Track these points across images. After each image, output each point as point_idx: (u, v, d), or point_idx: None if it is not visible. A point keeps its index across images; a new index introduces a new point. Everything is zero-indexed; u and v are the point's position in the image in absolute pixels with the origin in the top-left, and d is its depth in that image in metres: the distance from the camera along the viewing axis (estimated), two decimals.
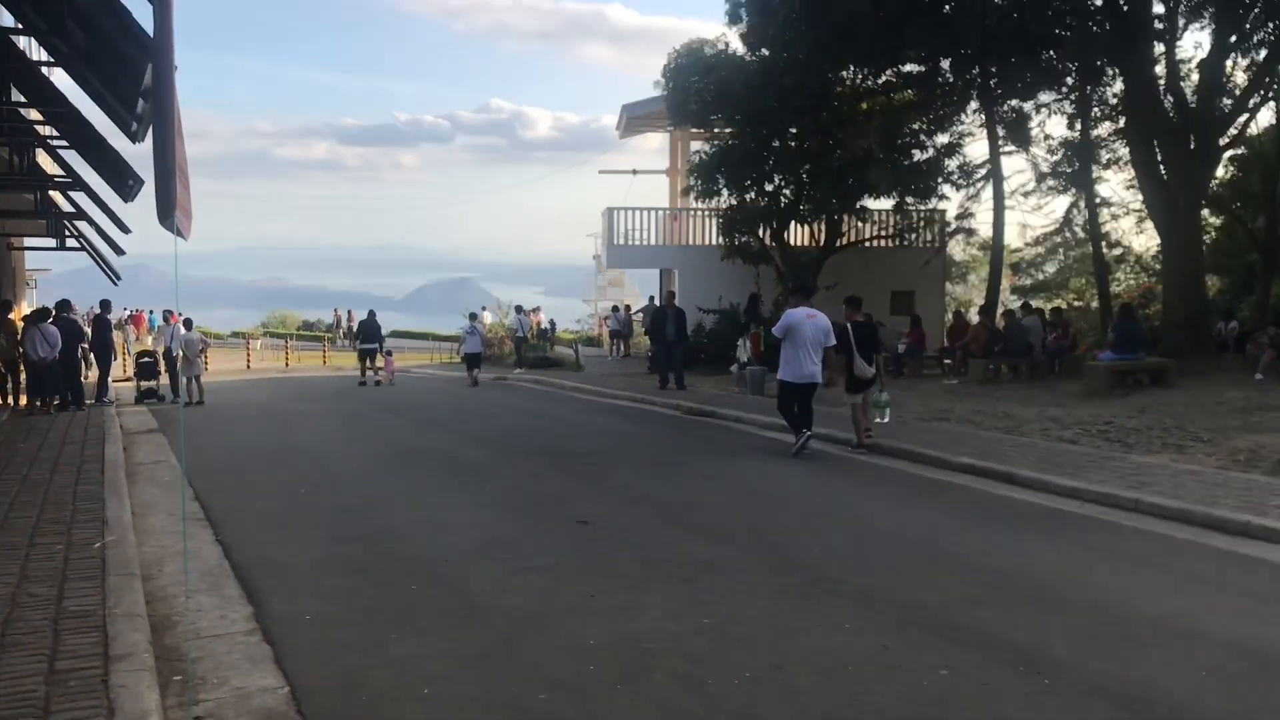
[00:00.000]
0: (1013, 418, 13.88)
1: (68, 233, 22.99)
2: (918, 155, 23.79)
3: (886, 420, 12.87)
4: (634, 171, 34.38)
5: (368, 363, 25.07)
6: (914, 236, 27.39)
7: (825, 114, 24.15)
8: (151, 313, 45.08)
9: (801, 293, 12.33)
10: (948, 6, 17.11)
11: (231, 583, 6.68)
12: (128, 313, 44.91)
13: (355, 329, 32.21)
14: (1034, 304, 25.33)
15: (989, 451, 11.18)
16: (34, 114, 13.67)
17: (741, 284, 25.54)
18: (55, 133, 14.20)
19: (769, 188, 25.22)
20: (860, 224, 26.49)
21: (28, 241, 29.08)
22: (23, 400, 17.76)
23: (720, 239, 26.55)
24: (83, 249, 23.74)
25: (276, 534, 8.08)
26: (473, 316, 26.81)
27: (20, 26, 11.06)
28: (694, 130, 29.83)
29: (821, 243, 25.75)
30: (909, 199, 24.32)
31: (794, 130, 24.22)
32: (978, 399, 16.30)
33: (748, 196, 25.42)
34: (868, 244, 26.74)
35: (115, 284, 25.75)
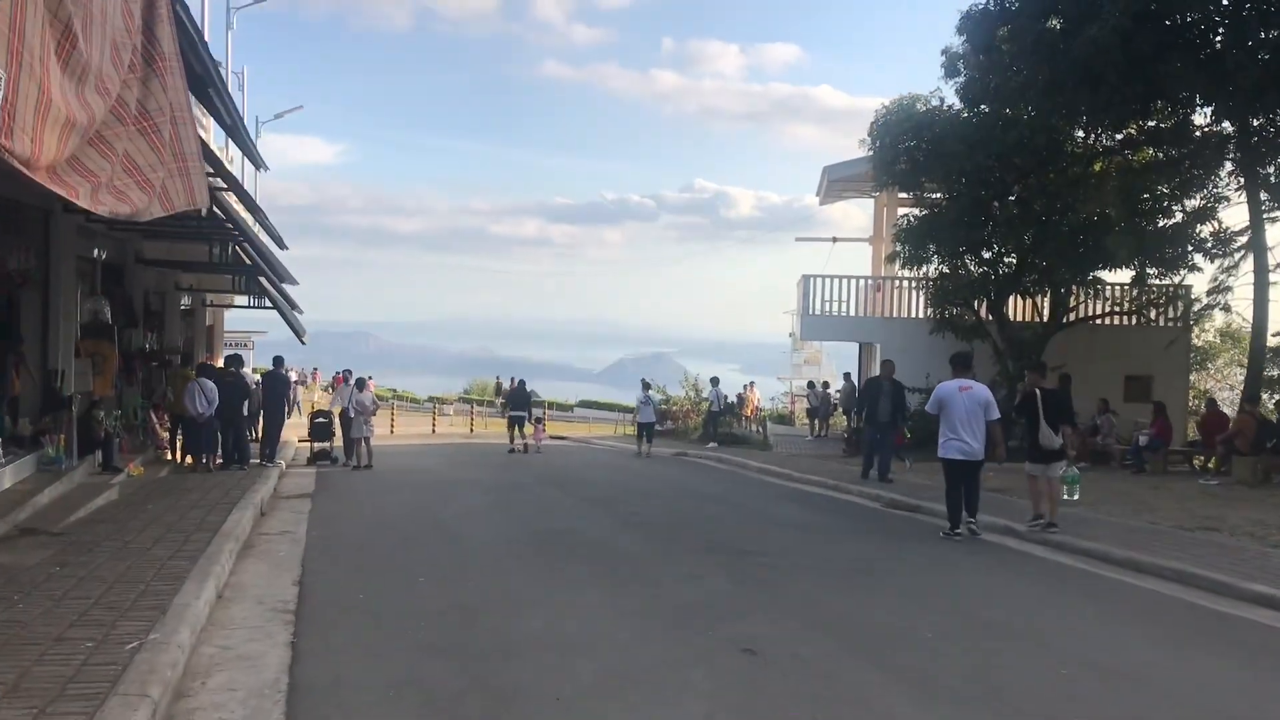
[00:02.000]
0: None
1: (256, 291, 23.05)
2: (1162, 221, 20.84)
3: (1076, 498, 12.33)
4: (834, 239, 32.36)
5: (516, 430, 24.47)
6: (1154, 314, 24.16)
7: (1052, 174, 21.63)
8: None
9: (958, 364, 11.63)
10: (1216, 38, 14.44)
11: (278, 713, 5.06)
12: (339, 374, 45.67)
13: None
14: None
15: None
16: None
17: (948, 364, 22.99)
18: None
19: (986, 255, 22.77)
20: (1091, 298, 23.59)
21: (231, 300, 29.72)
22: (188, 458, 17.18)
23: (929, 311, 24.18)
24: (274, 307, 23.70)
25: (367, 638, 6.46)
26: (645, 386, 25.55)
27: None
28: (901, 195, 27.65)
29: (1045, 317, 23.00)
30: (1151, 270, 21.31)
31: (1016, 192, 21.75)
32: (1252, 506, 13.33)
33: (961, 265, 23.06)
34: (1099, 321, 23.76)
35: (303, 343, 25.54)
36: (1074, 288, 22.47)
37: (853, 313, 26.53)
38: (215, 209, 13.65)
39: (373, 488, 15.80)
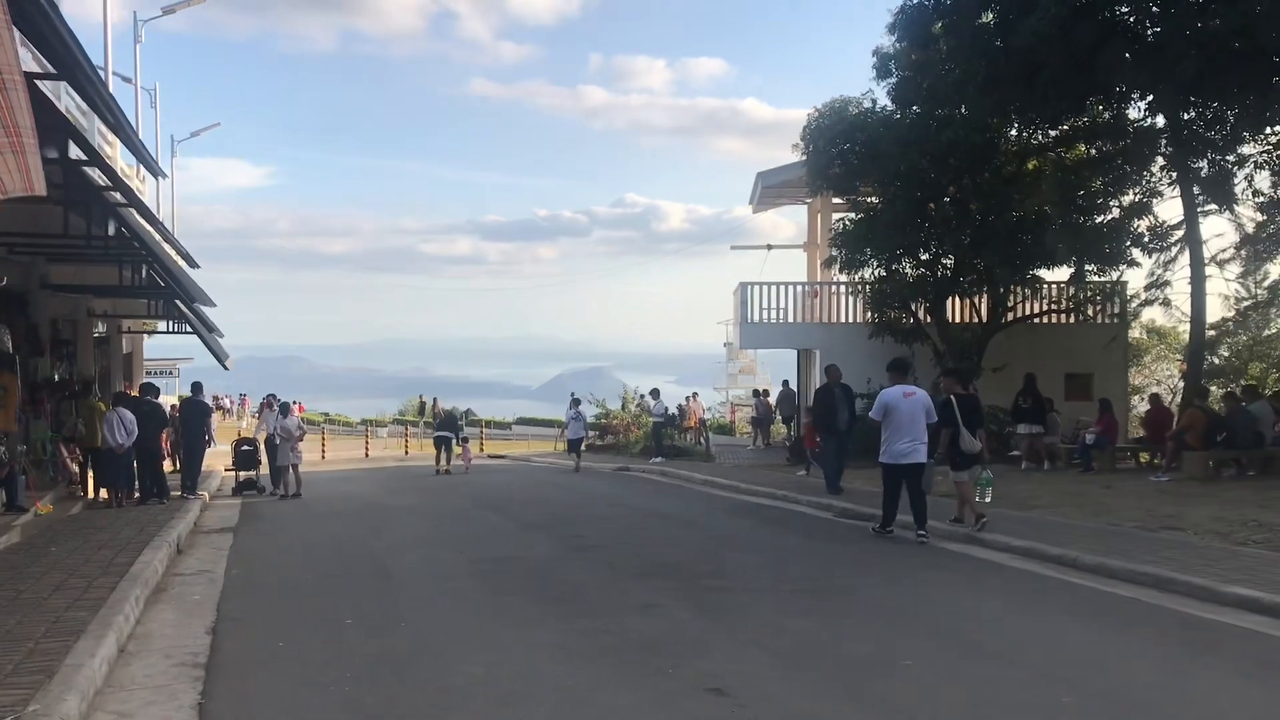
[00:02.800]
0: (1274, 529, 10.70)
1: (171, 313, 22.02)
2: (1099, 217, 20.73)
3: (989, 500, 12.57)
4: (769, 246, 32.01)
5: (443, 451, 24.04)
6: (1092, 311, 24.09)
7: (988, 174, 21.45)
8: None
9: (898, 369, 11.75)
10: (1154, 28, 14.16)
11: None
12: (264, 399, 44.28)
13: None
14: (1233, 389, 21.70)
15: (1268, 580, 8.15)
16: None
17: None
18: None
19: (924, 257, 22.51)
20: (1029, 297, 23.44)
21: (149, 326, 28.50)
22: (103, 493, 16.14)
23: (868, 315, 23.88)
24: (193, 332, 22.68)
25: (286, 695, 5.73)
26: (575, 401, 25.33)
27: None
28: (835, 201, 27.39)
29: (984, 318, 22.79)
30: (1089, 266, 21.19)
31: (951, 193, 21.51)
32: (1209, 502, 13.04)
33: (898, 267, 22.80)
34: (1037, 320, 23.62)
35: (225, 368, 24.47)
36: (1013, 287, 22.28)
37: (791, 320, 26.16)
38: (121, 228, 12.87)
39: (300, 518, 14.94)
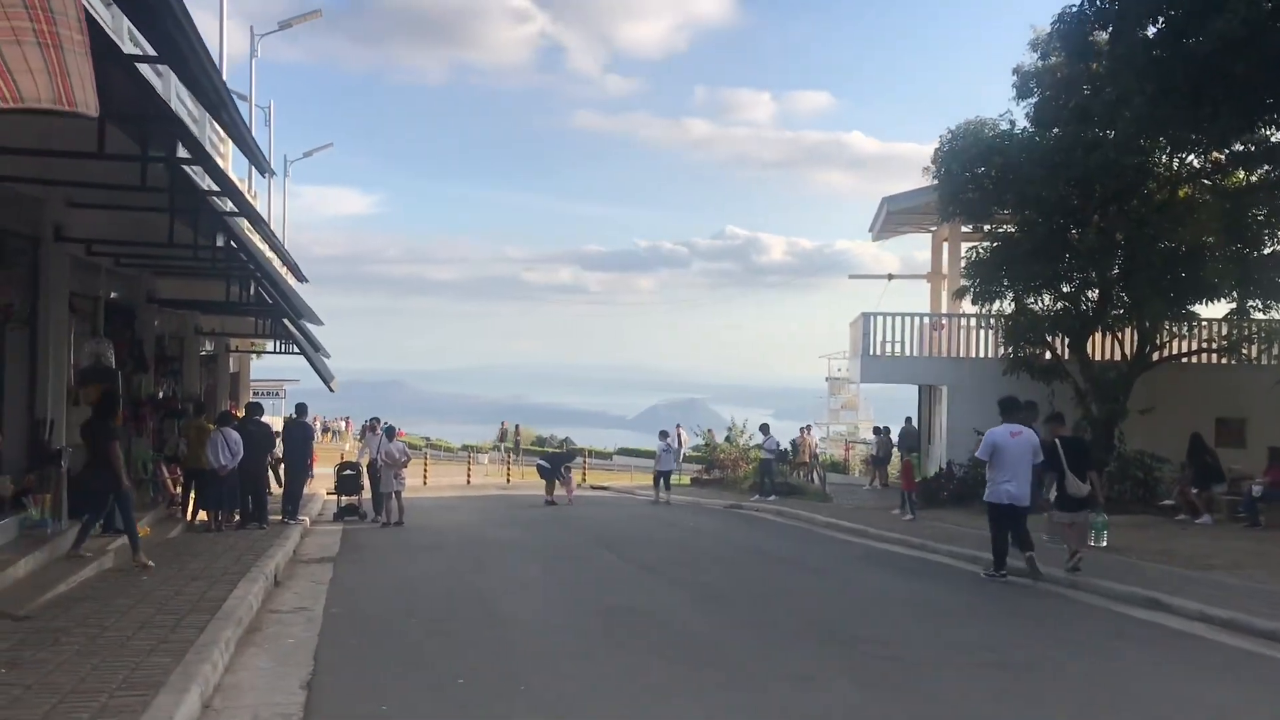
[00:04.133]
0: None
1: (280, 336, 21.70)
2: (1268, 248, 18.99)
3: (1104, 545, 12.29)
4: (889, 276, 30.55)
5: (552, 481, 23.35)
6: (1255, 350, 22.15)
7: (1136, 200, 19.89)
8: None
9: (1008, 409, 11.58)
10: None
11: None
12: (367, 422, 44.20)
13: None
14: None
15: None
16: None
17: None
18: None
19: (1065, 289, 20.99)
20: (1180, 335, 21.65)
21: (256, 346, 28.41)
22: (202, 514, 15.60)
23: (1002, 350, 22.40)
24: (300, 352, 22.32)
25: None
26: (664, 435, 24.96)
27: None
28: (965, 229, 25.94)
29: (1129, 356, 21.11)
30: (1252, 302, 19.43)
31: (1096, 221, 19.93)
32: None
33: (1037, 299, 21.33)
34: (1187, 359, 21.79)
35: (331, 389, 24.02)
36: (1164, 323, 20.58)
37: (913, 353, 24.76)
38: (230, 241, 12.31)
39: (404, 550, 14.13)
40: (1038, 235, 20.20)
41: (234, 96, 7.12)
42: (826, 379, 40.93)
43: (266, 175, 10.29)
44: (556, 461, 24.21)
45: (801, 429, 28.52)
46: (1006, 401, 11.79)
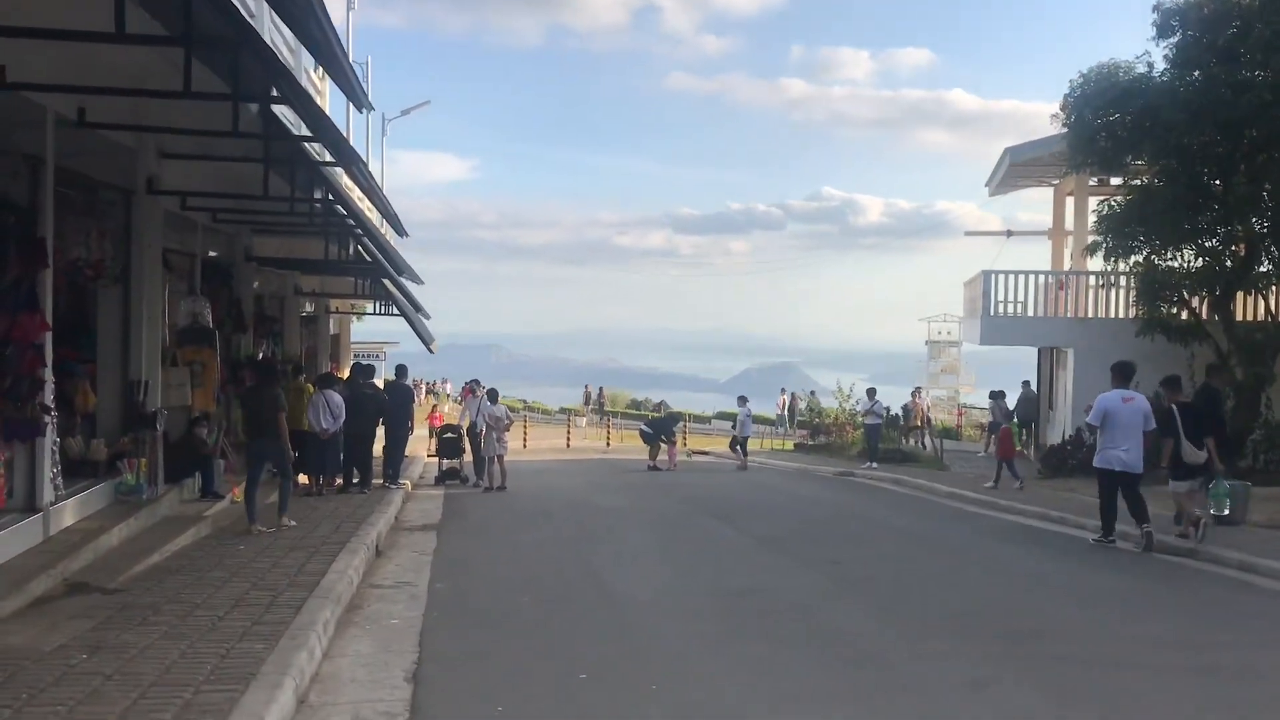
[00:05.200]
0: None
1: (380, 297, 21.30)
2: None
3: (1226, 513, 11.60)
4: (1008, 233, 28.98)
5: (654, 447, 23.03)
6: None
7: None
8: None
9: (1120, 374, 11.44)
10: None
11: None
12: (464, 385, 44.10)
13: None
14: None
15: None
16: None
17: (1161, 370, 19.66)
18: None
19: (1207, 244, 19.40)
20: None
21: (355, 307, 28.20)
22: (302, 477, 15.20)
23: (1136, 309, 20.89)
24: (400, 313, 21.90)
25: None
26: (742, 400, 24.12)
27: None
28: (1092, 183, 24.31)
29: (1275, 316, 19.45)
30: None
31: (1243, 170, 18.24)
32: None
33: (1176, 256, 19.79)
34: None
35: (431, 351, 23.59)
36: None
37: (1036, 313, 23.32)
38: (329, 194, 11.71)
39: (508, 518, 13.54)
40: (1178, 186, 18.66)
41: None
42: (926, 342, 39.36)
43: (364, 111, 9.64)
44: (660, 426, 23.62)
45: (913, 392, 27.25)
46: (1120, 366, 11.63)
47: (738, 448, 23.27)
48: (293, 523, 10.84)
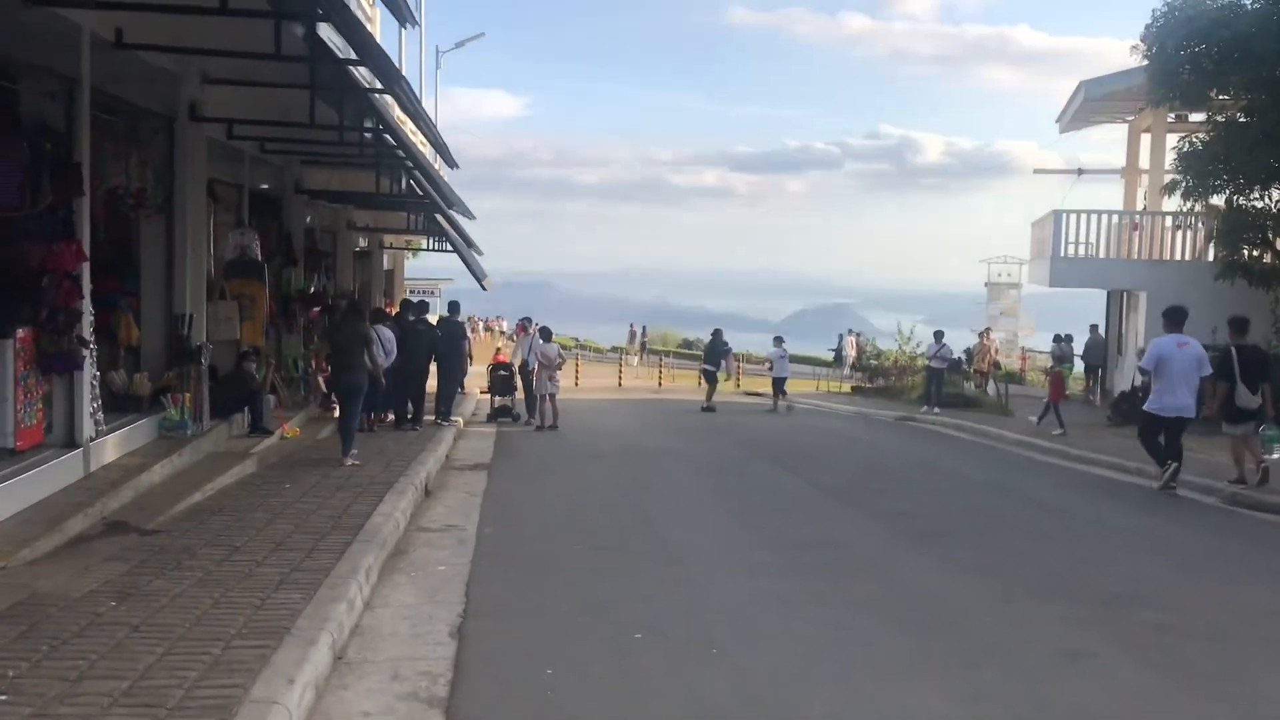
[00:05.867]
0: None
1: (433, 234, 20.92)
2: None
3: (1276, 456, 11.86)
4: (1079, 171, 27.80)
5: (710, 386, 22.78)
6: None
7: None
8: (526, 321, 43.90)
9: (1173, 319, 11.36)
10: None
11: None
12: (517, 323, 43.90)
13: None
14: None
15: None
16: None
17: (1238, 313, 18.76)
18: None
19: None
20: None
21: (409, 244, 27.89)
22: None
23: (1216, 251, 19.97)
24: (454, 249, 21.53)
25: None
26: (778, 340, 23.72)
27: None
28: (1170, 120, 23.16)
29: None
30: None
31: None
32: None
33: (1263, 196, 18.81)
34: None
35: (483, 288, 23.22)
36: None
37: (1109, 254, 22.36)
38: (379, 124, 11.26)
39: (559, 457, 13.20)
40: (1268, 121, 17.65)
41: None
42: (986, 284, 38.24)
43: (408, 27, 9.06)
44: (715, 352, 23.53)
45: (980, 333, 26.33)
46: (1171, 311, 11.53)
47: (779, 390, 22.57)
48: (356, 461, 10.65)
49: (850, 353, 34.56)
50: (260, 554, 6.53)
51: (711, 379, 22.88)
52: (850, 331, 39.17)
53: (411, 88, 8.26)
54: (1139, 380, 20.58)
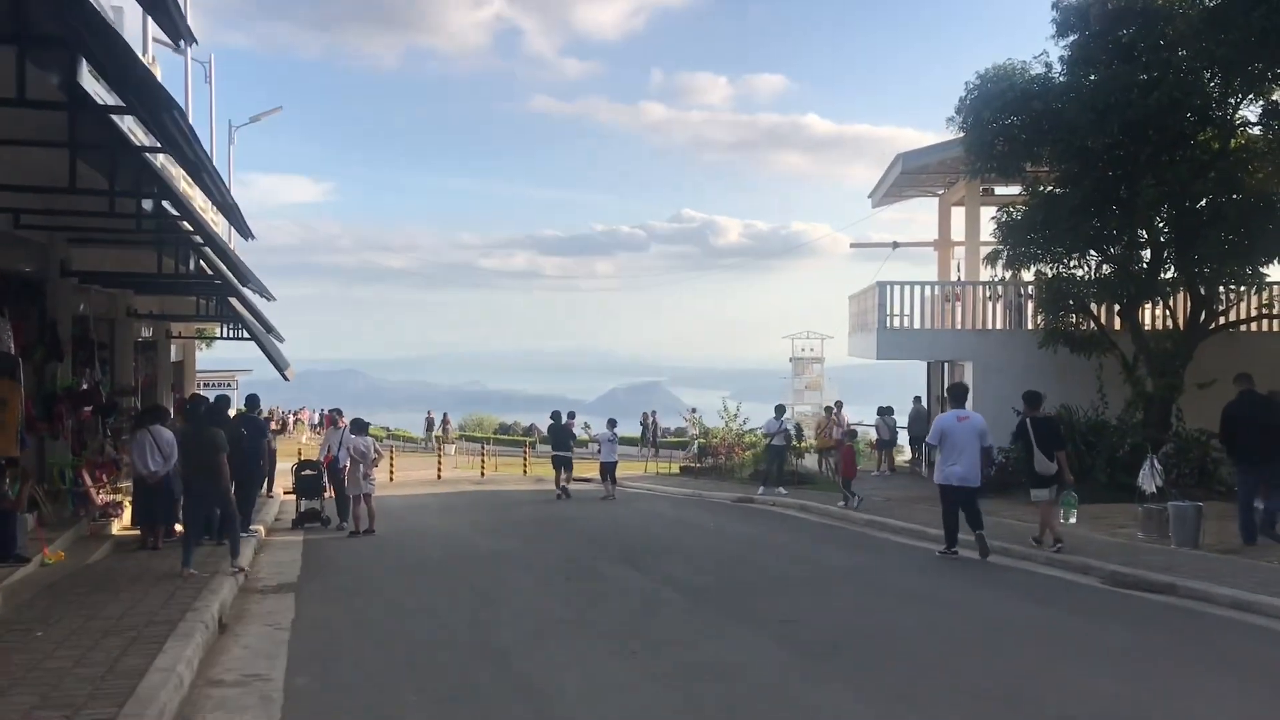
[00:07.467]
0: None
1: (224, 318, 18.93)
2: None
3: (1073, 521, 13.52)
4: (894, 244, 28.21)
5: (563, 472, 21.54)
6: None
7: (1194, 148, 17.75)
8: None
9: (956, 396, 12.48)
10: None
11: None
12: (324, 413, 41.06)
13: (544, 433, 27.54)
14: None
15: None
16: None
17: (1067, 382, 18.96)
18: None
19: (1113, 251, 18.83)
20: (1242, 299, 19.47)
21: (199, 331, 25.53)
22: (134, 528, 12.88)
23: (1038, 319, 20.32)
24: (250, 336, 19.53)
25: None
26: (611, 423, 22.57)
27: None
28: (985, 191, 23.74)
29: (1182, 325, 18.94)
30: None
31: (1150, 173, 17.56)
32: None
33: (1081, 263, 19.26)
34: (1249, 327, 19.65)
35: (285, 379, 21.22)
36: (1230, 286, 18.45)
37: (927, 325, 22.44)
38: (159, 196, 9.64)
39: (381, 570, 11.57)
40: (1081, 190, 18.11)
41: (159, 57, 4.49)
42: (791, 359, 38.80)
43: (184, 45, 7.54)
44: (562, 437, 22.46)
45: (827, 409, 25.66)
46: (954, 388, 12.98)
47: (606, 477, 21.40)
48: (194, 571, 9.89)
49: (648, 434, 35.44)
50: None
51: (568, 465, 21.68)
52: (653, 412, 39.48)
53: (199, 140, 6.73)
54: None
